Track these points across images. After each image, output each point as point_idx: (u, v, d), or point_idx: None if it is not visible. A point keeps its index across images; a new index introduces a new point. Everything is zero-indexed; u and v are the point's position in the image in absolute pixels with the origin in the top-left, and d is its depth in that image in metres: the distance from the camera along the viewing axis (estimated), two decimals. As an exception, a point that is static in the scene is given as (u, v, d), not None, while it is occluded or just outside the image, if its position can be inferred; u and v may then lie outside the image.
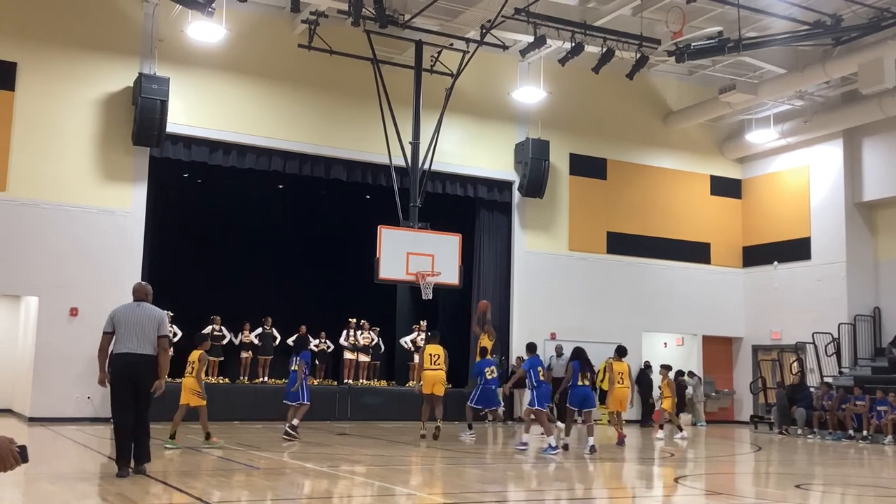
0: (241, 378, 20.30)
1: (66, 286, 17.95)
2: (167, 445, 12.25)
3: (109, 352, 9.00)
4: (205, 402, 13.02)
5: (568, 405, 14.14)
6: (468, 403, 16.22)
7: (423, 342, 20.51)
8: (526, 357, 15.02)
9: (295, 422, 14.27)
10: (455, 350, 19.17)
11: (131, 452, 8.83)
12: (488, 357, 16.79)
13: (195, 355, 13.24)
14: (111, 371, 8.91)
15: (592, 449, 13.08)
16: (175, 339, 19.18)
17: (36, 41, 18.30)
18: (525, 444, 13.51)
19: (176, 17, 19.01)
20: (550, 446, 12.72)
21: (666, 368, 18.09)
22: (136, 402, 8.81)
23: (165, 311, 19.06)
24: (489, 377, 15.97)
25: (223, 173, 20.55)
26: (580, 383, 13.81)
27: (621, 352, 15.59)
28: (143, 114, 18.16)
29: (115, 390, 8.89)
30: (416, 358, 19.80)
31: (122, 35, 19.02)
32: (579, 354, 14.03)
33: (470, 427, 15.86)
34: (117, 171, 18.74)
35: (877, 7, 18.29)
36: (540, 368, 13.67)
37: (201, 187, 21.81)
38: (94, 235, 18.32)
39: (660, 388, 18.76)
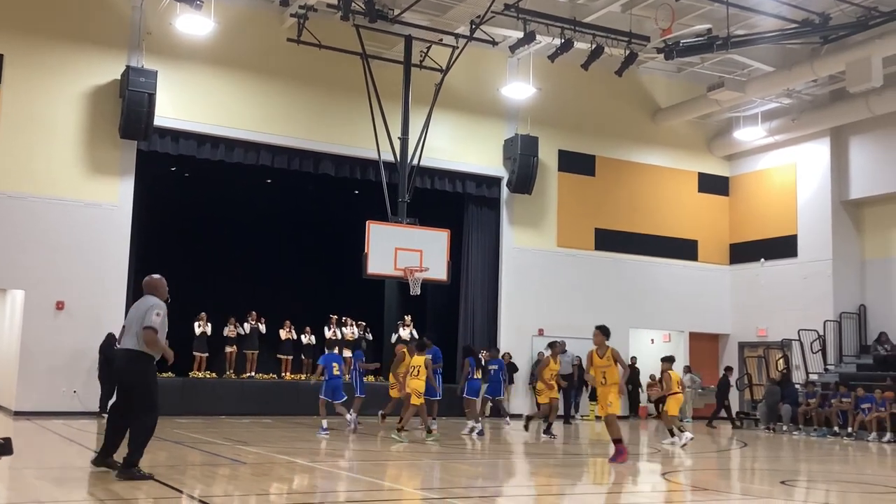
0: (228, 373, 20.25)
1: (53, 280, 17.85)
2: (394, 436, 13.69)
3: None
4: (422, 402, 14.38)
5: (466, 396, 16.13)
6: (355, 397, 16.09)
7: (408, 337, 20.54)
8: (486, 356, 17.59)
9: (354, 415, 15.57)
10: (444, 347, 19.13)
11: (109, 445, 8.54)
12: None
13: (420, 360, 14.51)
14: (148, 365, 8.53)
15: (478, 431, 15.23)
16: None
17: (22, 33, 18.17)
18: (473, 428, 15.39)
19: (164, 10, 18.91)
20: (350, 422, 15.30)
21: (668, 361, 16.04)
22: (128, 402, 8.37)
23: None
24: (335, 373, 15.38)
25: (211, 167, 20.48)
26: (475, 376, 16.18)
27: (671, 360, 16.00)
28: (130, 107, 18.06)
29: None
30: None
31: (110, 27, 18.91)
32: (471, 351, 16.32)
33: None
34: (104, 165, 18.64)
35: (864, 6, 18.37)
36: (478, 367, 16.18)
37: (189, 181, 21.72)
38: (81, 229, 18.23)
39: (655, 381, 18.63)
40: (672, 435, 14.83)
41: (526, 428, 16.85)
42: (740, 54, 20.79)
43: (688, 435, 14.72)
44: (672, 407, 15.27)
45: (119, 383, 8.51)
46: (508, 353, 21.20)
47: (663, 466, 11.85)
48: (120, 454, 8.42)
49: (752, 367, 24.03)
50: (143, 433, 8.17)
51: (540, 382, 16.10)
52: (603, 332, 11.51)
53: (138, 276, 19.12)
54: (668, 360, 15.88)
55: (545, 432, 15.61)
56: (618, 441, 11.30)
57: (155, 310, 8.27)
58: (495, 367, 17.55)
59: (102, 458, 8.52)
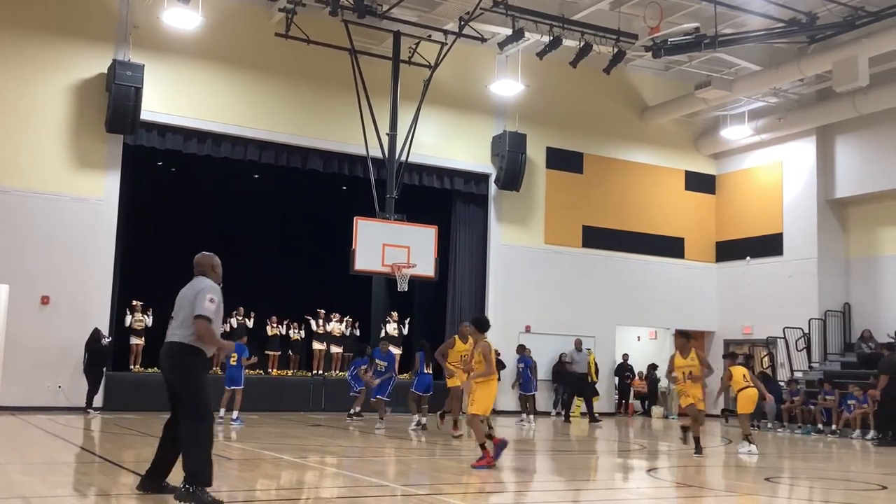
0: (215, 369, 20.18)
1: (38, 274, 17.75)
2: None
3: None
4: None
5: (413, 390, 15.97)
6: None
7: (395, 332, 20.54)
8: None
9: (358, 409, 17.03)
10: (432, 343, 19.12)
11: (159, 466, 6.93)
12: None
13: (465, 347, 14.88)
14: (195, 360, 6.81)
15: (422, 425, 15.28)
16: (147, 328, 19.12)
17: (8, 26, 18.04)
18: (418, 424, 15.42)
19: (151, 4, 18.82)
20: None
21: (730, 357, 15.07)
22: (174, 396, 6.82)
23: (136, 303, 19.33)
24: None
25: (198, 162, 20.40)
26: (426, 371, 15.89)
27: (734, 357, 15.43)
28: (116, 101, 17.96)
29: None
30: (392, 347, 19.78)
31: (97, 21, 18.80)
32: (424, 346, 16.22)
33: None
34: (90, 159, 18.54)
35: (851, 6, 18.46)
36: (428, 362, 15.92)
37: (175, 176, 21.63)
38: (66, 223, 18.13)
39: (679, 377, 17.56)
40: (749, 442, 13.04)
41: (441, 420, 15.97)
42: (728, 53, 20.88)
43: (751, 447, 12.95)
44: (744, 405, 13.58)
45: (166, 384, 6.87)
46: (496, 350, 21.21)
47: (649, 463, 11.90)
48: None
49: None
50: (192, 443, 6.49)
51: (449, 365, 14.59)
52: (477, 325, 10.57)
53: (124, 270, 19.13)
54: (729, 357, 14.87)
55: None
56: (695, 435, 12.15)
57: (208, 294, 6.63)
58: (522, 364, 18.37)
59: (151, 482, 6.92)
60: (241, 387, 16.11)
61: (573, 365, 20.39)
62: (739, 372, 13.81)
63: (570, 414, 20.91)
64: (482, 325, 10.46)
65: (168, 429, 6.84)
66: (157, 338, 19.35)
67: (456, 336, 14.56)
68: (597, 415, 20.18)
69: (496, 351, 20.91)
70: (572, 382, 20.70)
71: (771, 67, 21.01)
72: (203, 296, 6.60)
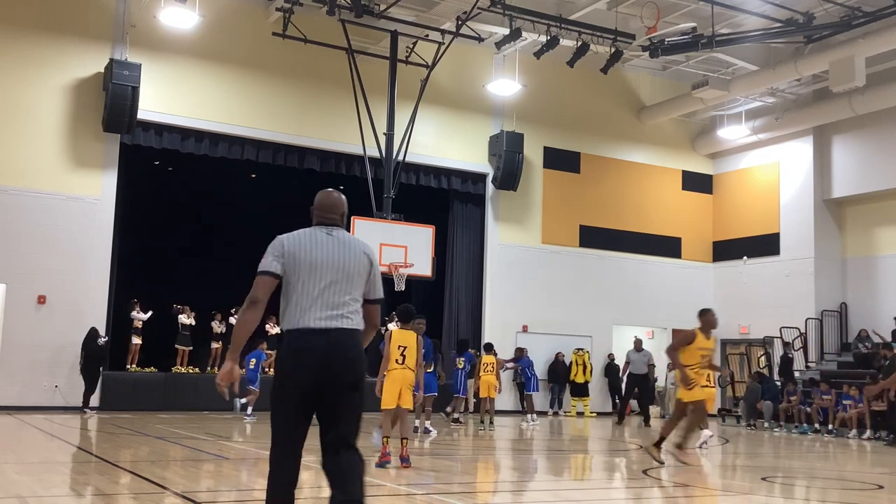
0: (212, 368, 20.17)
1: (34, 273, 17.73)
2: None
3: (281, 327, 4.65)
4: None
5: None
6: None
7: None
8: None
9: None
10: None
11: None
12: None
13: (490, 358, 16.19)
14: (276, 365, 4.55)
15: (426, 430, 14.54)
16: (140, 326, 19.08)
17: (5, 25, 18.02)
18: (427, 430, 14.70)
19: (148, 3, 18.81)
20: None
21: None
22: (330, 426, 4.47)
23: (133, 300, 19.33)
24: None
25: (195, 162, 20.38)
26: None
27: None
28: (113, 100, 17.95)
29: (281, 403, 4.43)
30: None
31: (94, 20, 18.78)
32: (436, 345, 16.54)
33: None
34: (87, 158, 18.52)
35: (848, 6, 18.48)
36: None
37: (172, 175, 21.61)
38: (63, 222, 18.11)
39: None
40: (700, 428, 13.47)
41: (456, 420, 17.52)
42: (725, 53, 20.89)
43: (706, 432, 13.46)
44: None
45: (325, 397, 4.39)
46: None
47: (644, 463, 11.91)
48: None
49: (734, 364, 24.16)
50: (357, 469, 4.57)
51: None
52: (400, 315, 10.22)
53: (121, 270, 19.11)
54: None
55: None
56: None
57: (378, 264, 4.81)
58: (520, 365, 18.75)
59: None
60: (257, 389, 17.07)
61: (631, 365, 20.31)
62: (487, 360, 16.09)
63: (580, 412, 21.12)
64: (403, 315, 10.09)
65: (292, 469, 4.57)
66: (155, 337, 19.49)
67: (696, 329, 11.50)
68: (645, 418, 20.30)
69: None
70: (631, 383, 20.57)
71: (768, 67, 21.04)
72: (377, 268, 4.74)
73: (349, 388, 4.41)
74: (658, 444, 10.46)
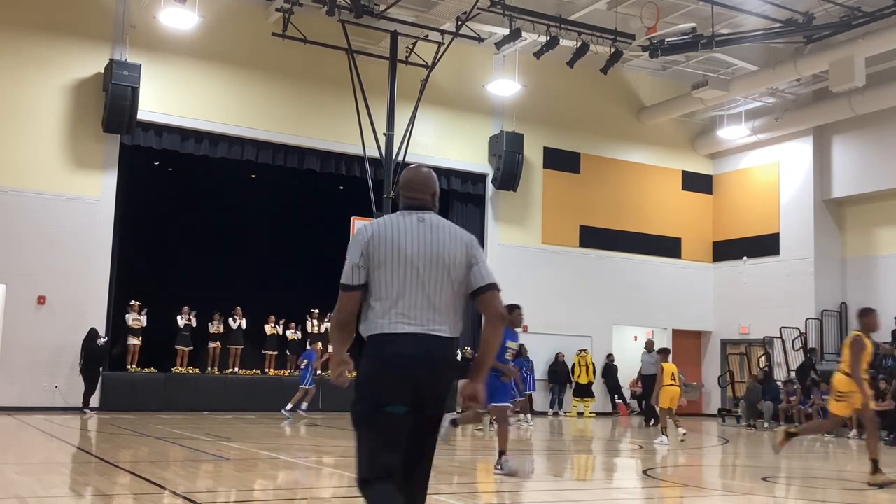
0: (211, 369, 20.17)
1: (34, 274, 17.73)
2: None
3: (361, 332, 3.93)
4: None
5: None
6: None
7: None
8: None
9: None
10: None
11: None
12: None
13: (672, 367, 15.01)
14: (360, 383, 3.81)
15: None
16: (137, 328, 19.08)
17: (4, 25, 18.02)
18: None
19: (148, 3, 18.81)
20: None
21: (662, 353, 15.64)
22: (417, 445, 3.81)
23: (134, 302, 19.36)
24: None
25: (195, 162, 20.38)
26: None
27: (665, 351, 15.73)
28: (113, 100, 17.95)
29: (372, 431, 3.75)
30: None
31: (93, 20, 18.78)
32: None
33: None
34: (87, 158, 18.52)
35: (848, 6, 18.49)
36: None
37: (172, 176, 21.60)
38: (63, 223, 18.10)
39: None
40: (663, 433, 14.41)
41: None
42: (724, 53, 20.89)
43: (663, 438, 14.25)
44: (663, 399, 14.84)
45: (420, 413, 3.75)
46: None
47: (645, 463, 11.91)
48: None
49: (734, 364, 24.17)
50: None
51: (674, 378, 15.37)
52: None
53: (120, 270, 19.10)
54: (661, 352, 15.72)
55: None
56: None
57: (481, 251, 4.01)
58: (518, 366, 18.72)
59: None
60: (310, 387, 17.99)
61: (642, 366, 20.35)
62: (669, 369, 15.05)
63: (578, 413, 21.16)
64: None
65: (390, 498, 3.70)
66: (154, 338, 19.49)
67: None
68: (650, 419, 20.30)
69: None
70: (644, 384, 20.58)
71: (768, 67, 21.04)
72: (482, 258, 3.93)
73: (441, 409, 3.76)
74: (876, 469, 8.93)
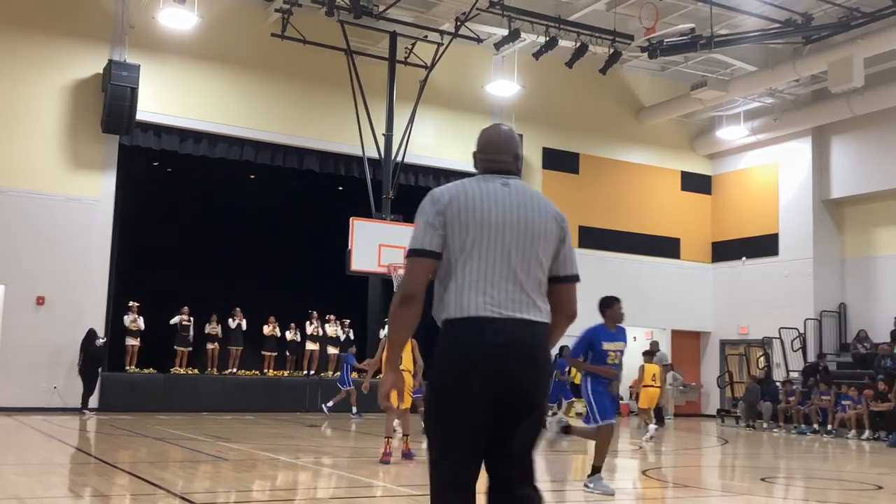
0: (210, 369, 20.16)
1: (33, 274, 17.71)
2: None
3: (433, 315, 3.41)
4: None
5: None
6: None
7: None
8: None
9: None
10: (428, 346, 19.18)
11: None
12: None
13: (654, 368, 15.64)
14: (434, 374, 3.28)
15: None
16: (135, 329, 19.08)
17: (3, 25, 18.00)
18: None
19: (147, 4, 18.80)
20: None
21: (646, 354, 16.22)
22: (504, 455, 3.28)
23: (132, 304, 19.36)
24: None
25: (194, 162, 20.37)
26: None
27: (649, 353, 16.32)
28: (112, 101, 17.94)
29: (445, 430, 3.25)
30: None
31: (92, 21, 18.77)
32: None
33: None
34: (86, 159, 18.51)
35: (846, 7, 18.50)
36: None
37: (171, 176, 21.61)
38: (62, 223, 18.10)
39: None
40: (646, 423, 15.22)
41: None
42: (723, 54, 20.90)
43: (652, 427, 14.94)
44: (642, 399, 15.65)
45: (508, 411, 3.21)
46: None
47: (644, 463, 11.91)
48: None
49: (733, 364, 24.17)
50: None
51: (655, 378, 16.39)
52: None
53: (119, 271, 19.10)
54: (645, 353, 16.09)
55: None
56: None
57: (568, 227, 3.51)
58: None
59: None
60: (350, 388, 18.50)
61: None
62: (650, 370, 15.57)
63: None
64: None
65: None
66: (152, 339, 19.47)
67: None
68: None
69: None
70: None
71: (766, 68, 21.05)
72: (568, 235, 3.47)
73: (533, 408, 3.19)
74: None
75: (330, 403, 18.89)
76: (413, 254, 3.27)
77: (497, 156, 3.43)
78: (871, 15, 18.31)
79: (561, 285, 3.36)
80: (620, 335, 8.47)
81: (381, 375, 9.62)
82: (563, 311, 3.37)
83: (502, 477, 3.27)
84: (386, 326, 20.54)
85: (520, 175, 3.44)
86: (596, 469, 8.13)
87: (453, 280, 3.21)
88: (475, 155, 3.51)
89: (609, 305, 8.51)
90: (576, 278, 3.43)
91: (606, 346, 8.27)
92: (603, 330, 8.39)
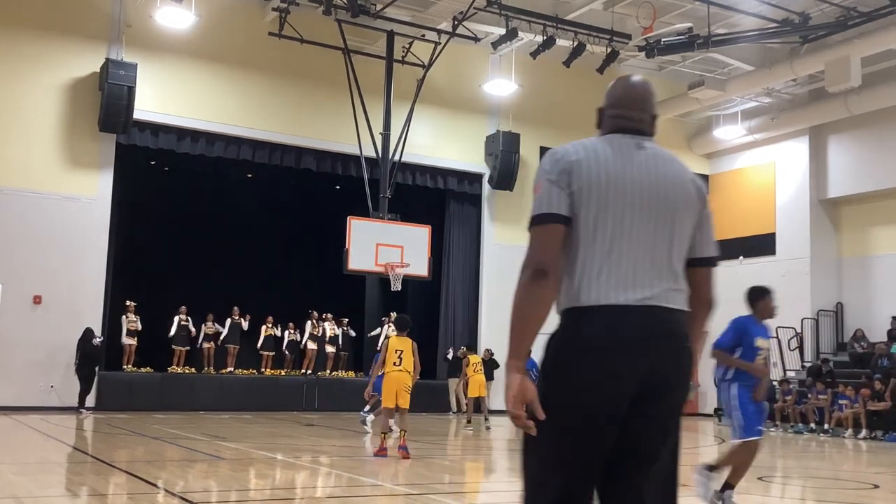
0: (208, 368, 20.15)
1: (30, 273, 17.70)
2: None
3: (558, 305, 2.70)
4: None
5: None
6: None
7: (394, 333, 20.48)
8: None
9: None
10: (425, 343, 19.16)
11: None
12: None
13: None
14: (549, 376, 2.66)
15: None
16: (133, 328, 19.05)
17: (1, 24, 17.97)
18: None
19: (144, 2, 18.77)
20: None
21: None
22: (636, 470, 2.63)
23: (129, 303, 19.31)
24: None
25: (191, 161, 20.37)
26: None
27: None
28: (109, 100, 17.92)
29: (559, 443, 2.58)
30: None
31: (89, 19, 18.75)
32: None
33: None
34: (83, 158, 18.49)
35: (844, 6, 18.51)
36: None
37: (168, 175, 21.60)
38: (59, 222, 18.08)
39: None
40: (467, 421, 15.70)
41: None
42: (720, 53, 20.91)
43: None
44: (471, 390, 16.32)
45: (657, 413, 2.64)
46: (489, 350, 21.26)
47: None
48: None
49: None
50: None
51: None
52: (398, 324, 11.24)
53: (116, 270, 19.08)
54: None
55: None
56: None
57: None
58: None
59: None
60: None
61: None
62: (475, 360, 16.43)
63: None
64: (401, 324, 11.09)
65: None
66: (150, 338, 19.45)
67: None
68: None
69: (488, 350, 21.19)
70: None
71: (764, 67, 21.07)
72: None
73: (678, 422, 2.70)
74: None
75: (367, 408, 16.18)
76: (540, 220, 2.69)
77: (632, 112, 2.87)
78: (868, 14, 18.33)
79: (700, 269, 2.84)
80: (767, 332, 7.28)
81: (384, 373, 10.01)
82: (703, 298, 2.85)
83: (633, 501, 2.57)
84: (385, 325, 20.54)
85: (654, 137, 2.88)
86: (729, 486, 6.97)
87: (578, 259, 2.61)
88: (601, 111, 2.92)
89: (761, 296, 7.26)
90: (716, 261, 2.90)
91: (760, 342, 7.07)
92: (754, 323, 7.23)
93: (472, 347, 17.29)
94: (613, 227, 2.60)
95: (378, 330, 21.55)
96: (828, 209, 23.25)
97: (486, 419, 16.40)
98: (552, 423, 2.51)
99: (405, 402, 10.37)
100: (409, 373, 10.43)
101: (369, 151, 19.58)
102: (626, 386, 2.52)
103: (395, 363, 10.35)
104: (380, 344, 20.68)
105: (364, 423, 14.30)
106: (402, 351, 10.39)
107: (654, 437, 2.61)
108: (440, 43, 19.94)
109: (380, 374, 14.63)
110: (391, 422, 11.15)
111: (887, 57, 19.94)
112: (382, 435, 10.32)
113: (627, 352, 2.52)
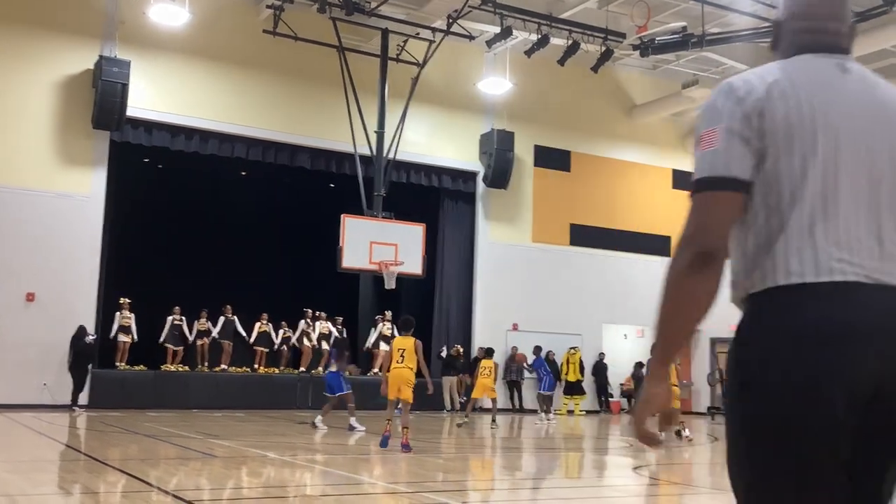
0: (201, 366, 20.11)
1: (23, 271, 17.65)
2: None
3: (741, 286, 2.26)
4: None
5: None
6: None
7: (388, 332, 20.48)
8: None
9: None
10: (426, 344, 19.14)
11: None
12: None
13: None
14: (752, 376, 2.00)
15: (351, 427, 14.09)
16: (128, 325, 19.03)
17: (-7, 21, 17.92)
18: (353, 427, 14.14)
19: None
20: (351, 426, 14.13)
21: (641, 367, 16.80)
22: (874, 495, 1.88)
23: (123, 300, 19.24)
24: None
25: (185, 159, 20.33)
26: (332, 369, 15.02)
27: (490, 352, 16.98)
28: (103, 97, 17.88)
29: (775, 465, 1.82)
30: (383, 346, 19.73)
31: (83, 16, 18.70)
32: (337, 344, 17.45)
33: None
34: (76, 155, 18.44)
35: (838, 6, 18.54)
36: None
37: (162, 173, 21.56)
38: (52, 220, 18.03)
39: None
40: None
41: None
42: (715, 52, 20.95)
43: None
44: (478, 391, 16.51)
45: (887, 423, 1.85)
46: (458, 347, 21.35)
47: (635, 461, 11.94)
48: None
49: (723, 362, 24.20)
50: None
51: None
52: (402, 325, 11.82)
53: (109, 268, 19.04)
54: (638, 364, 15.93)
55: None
56: None
57: None
58: (533, 367, 20.00)
59: None
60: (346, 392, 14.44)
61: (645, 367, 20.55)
62: (488, 364, 16.62)
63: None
64: (405, 325, 11.60)
65: None
66: (145, 336, 19.42)
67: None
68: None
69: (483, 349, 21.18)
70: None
71: (758, 67, 21.08)
72: None
73: None
74: None
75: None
76: (710, 184, 1.94)
77: (825, 23, 2.10)
78: (861, 14, 18.36)
79: None
80: None
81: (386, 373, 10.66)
82: None
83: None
84: (379, 324, 20.55)
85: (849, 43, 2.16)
86: None
87: (779, 224, 1.92)
88: (779, 25, 2.19)
89: None
90: None
91: None
92: None
93: (489, 353, 17.04)
94: (825, 181, 1.89)
95: (373, 338, 21.23)
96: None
97: (493, 420, 16.36)
98: (762, 445, 1.84)
99: (407, 396, 10.93)
100: (411, 369, 10.95)
101: (364, 149, 19.57)
102: (858, 390, 1.80)
103: (398, 361, 11.01)
104: (370, 343, 20.73)
105: (314, 424, 14.17)
106: (403, 349, 10.99)
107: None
108: (435, 41, 19.94)
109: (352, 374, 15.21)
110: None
111: (882, 57, 20.01)
112: (387, 421, 11.28)
113: (857, 344, 1.80)
